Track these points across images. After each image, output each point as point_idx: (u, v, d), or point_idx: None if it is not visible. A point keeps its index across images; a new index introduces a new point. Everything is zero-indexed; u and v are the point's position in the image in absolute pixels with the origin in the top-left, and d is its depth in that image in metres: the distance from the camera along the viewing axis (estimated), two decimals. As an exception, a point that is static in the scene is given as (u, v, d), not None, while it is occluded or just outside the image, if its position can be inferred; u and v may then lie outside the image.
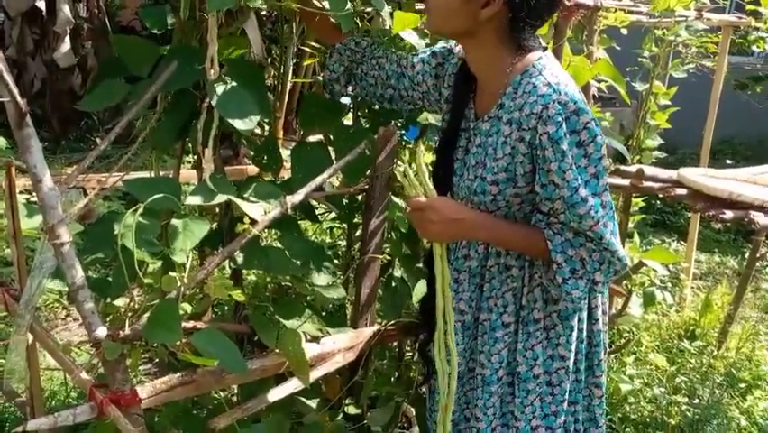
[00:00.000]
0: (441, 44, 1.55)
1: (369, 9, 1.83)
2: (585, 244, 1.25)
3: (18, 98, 1.09)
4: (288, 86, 5.01)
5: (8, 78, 1.06)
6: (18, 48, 5.90)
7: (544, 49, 1.33)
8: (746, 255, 4.12)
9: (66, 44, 5.86)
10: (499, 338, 1.40)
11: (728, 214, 1.98)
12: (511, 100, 1.28)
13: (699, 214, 3.31)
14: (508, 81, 1.29)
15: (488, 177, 1.30)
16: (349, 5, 1.41)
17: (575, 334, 1.40)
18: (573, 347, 1.41)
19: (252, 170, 2.10)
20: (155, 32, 1.60)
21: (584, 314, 1.43)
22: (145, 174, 2.22)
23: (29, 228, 1.99)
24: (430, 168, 1.47)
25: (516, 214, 1.34)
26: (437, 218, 1.25)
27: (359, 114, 1.83)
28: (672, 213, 5.43)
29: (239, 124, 1.31)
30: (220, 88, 1.30)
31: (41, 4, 5.69)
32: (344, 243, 2.19)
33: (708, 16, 3.29)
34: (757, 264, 3.47)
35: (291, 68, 4.93)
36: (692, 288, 3.91)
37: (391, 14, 1.44)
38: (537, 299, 1.37)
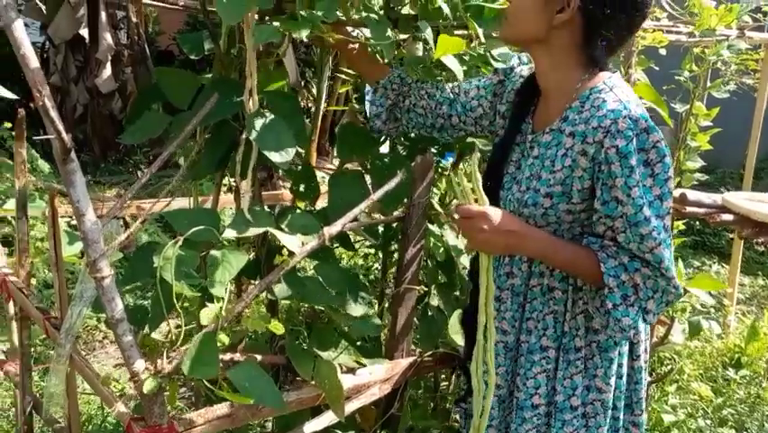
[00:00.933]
0: (499, 66, 1.54)
1: (404, 36, 1.84)
2: (640, 269, 1.20)
3: (63, 134, 1.11)
4: (322, 109, 5.08)
5: (54, 114, 1.08)
6: (62, 75, 6.10)
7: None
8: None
9: (107, 70, 6.04)
10: (536, 362, 1.36)
11: (775, 240, 1.91)
12: (577, 113, 1.25)
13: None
14: (576, 95, 1.26)
15: (542, 189, 1.26)
16: (390, 33, 1.40)
17: (614, 368, 1.35)
18: (612, 381, 1.35)
19: (288, 195, 2.12)
20: (192, 57, 1.63)
21: (625, 348, 1.37)
22: (183, 201, 2.25)
23: (70, 255, 2.03)
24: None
25: (565, 233, 1.30)
26: (488, 227, 1.21)
27: (395, 141, 1.83)
28: (711, 234, 5.29)
29: (276, 157, 1.31)
30: (258, 122, 1.30)
31: (85, 32, 5.88)
32: (379, 266, 2.18)
33: (751, 35, 3.22)
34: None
35: (325, 90, 5.00)
36: (736, 313, 3.78)
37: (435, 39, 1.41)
38: (580, 327, 1.33)
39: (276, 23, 1.24)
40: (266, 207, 1.54)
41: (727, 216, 2.09)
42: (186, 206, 2.33)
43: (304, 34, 1.28)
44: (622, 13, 1.22)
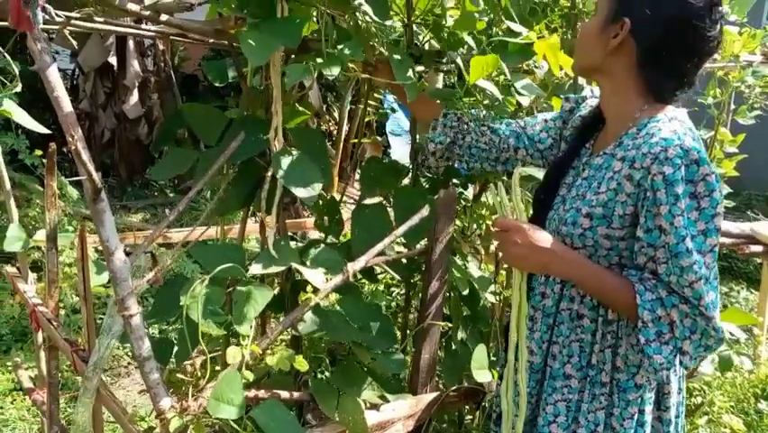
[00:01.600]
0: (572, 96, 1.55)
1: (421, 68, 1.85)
2: (678, 305, 1.14)
3: (94, 175, 1.13)
4: (344, 132, 5.12)
5: (86, 157, 1.11)
6: (90, 101, 6.24)
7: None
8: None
9: (134, 96, 6.17)
10: (557, 388, 1.32)
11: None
12: (632, 139, 1.23)
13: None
14: (634, 123, 1.25)
15: (583, 209, 1.24)
16: (410, 73, 1.42)
17: (631, 411, 1.28)
18: (627, 425, 1.28)
19: (311, 222, 2.13)
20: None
21: (650, 395, 1.30)
22: (210, 231, 2.28)
23: (98, 285, 2.06)
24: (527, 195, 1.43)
25: (601, 260, 1.26)
26: (522, 241, 1.19)
27: (418, 174, 1.83)
28: (739, 259, 5.18)
29: (302, 193, 1.33)
30: (285, 160, 1.32)
31: (113, 60, 6.02)
32: (401, 293, 2.17)
33: (776, 60, 3.18)
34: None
35: (347, 114, 5.04)
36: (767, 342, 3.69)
37: (466, 65, 1.41)
38: (606, 361, 1.28)
39: (304, 64, 1.26)
40: (289, 235, 1.55)
41: (756, 248, 2.06)
42: (212, 235, 2.36)
43: (335, 72, 1.30)
44: (673, 35, 1.20)
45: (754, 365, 3.30)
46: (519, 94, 1.57)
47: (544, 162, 1.56)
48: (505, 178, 1.83)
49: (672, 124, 1.19)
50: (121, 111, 6.21)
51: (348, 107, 4.99)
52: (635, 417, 1.29)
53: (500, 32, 1.51)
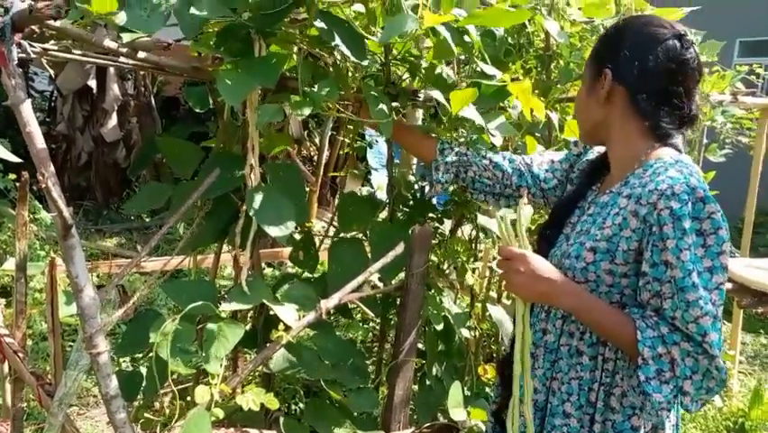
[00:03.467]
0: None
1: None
2: (680, 343, 1.12)
3: (65, 212, 1.12)
4: (324, 158, 5.13)
5: (56, 194, 1.10)
6: (68, 123, 6.19)
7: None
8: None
9: (113, 120, 6.14)
10: (557, 426, 1.30)
11: (777, 311, 1.90)
12: (638, 179, 1.24)
13: (743, 299, 3.19)
14: (640, 165, 1.27)
15: (587, 243, 1.24)
16: (384, 108, 1.42)
17: None
18: None
19: (287, 252, 2.12)
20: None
21: None
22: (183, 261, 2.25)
23: (66, 316, 2.02)
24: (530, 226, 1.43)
25: (602, 297, 1.25)
26: (525, 270, 1.20)
27: (395, 209, 1.84)
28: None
29: (274, 231, 1.32)
30: (258, 197, 1.32)
31: (93, 83, 5.99)
32: (377, 326, 2.16)
33: (743, 100, 3.28)
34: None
35: (327, 140, 5.06)
36: (740, 372, 3.73)
37: (447, 98, 1.43)
38: (599, 400, 1.26)
39: (277, 104, 1.26)
40: (264, 266, 1.54)
41: (727, 285, 2.08)
42: (184, 265, 2.34)
43: (307, 112, 1.31)
44: (652, 66, 1.23)
45: (726, 398, 3.34)
46: (492, 135, 1.59)
47: (546, 201, 1.57)
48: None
49: (678, 165, 1.21)
50: (99, 134, 6.17)
51: (329, 134, 5.02)
52: None
53: (475, 73, 1.54)
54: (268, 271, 3.85)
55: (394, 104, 1.73)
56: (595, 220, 1.28)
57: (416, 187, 1.90)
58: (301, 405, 1.94)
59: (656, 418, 1.17)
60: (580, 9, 2.01)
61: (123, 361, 3.14)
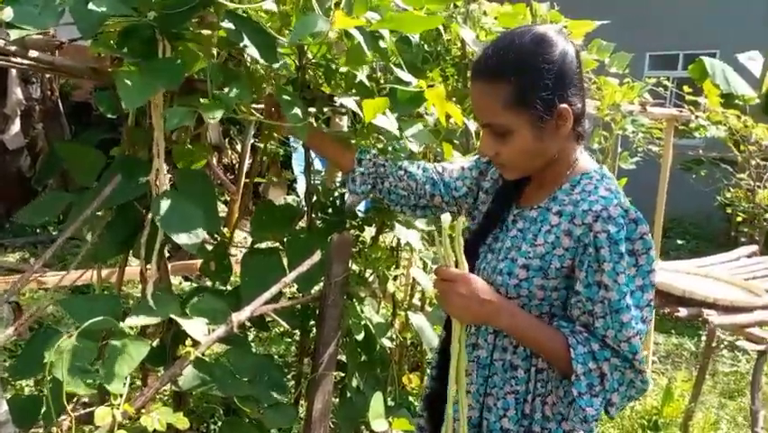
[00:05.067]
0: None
1: (326, 109, 1.84)
2: (610, 358, 1.18)
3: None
4: (246, 166, 5.00)
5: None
6: (-35, 130, 5.77)
7: None
8: (703, 337, 4.16)
9: (16, 126, 5.76)
10: None
11: (683, 312, 1.99)
12: (566, 195, 1.26)
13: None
14: (566, 179, 1.28)
15: (520, 260, 1.25)
16: (298, 112, 1.38)
17: None
18: None
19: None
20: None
21: None
22: (87, 274, 2.12)
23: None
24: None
25: (533, 310, 1.27)
26: (466, 292, 1.17)
27: (314, 217, 1.79)
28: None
29: (183, 240, 1.25)
30: (165, 203, 1.24)
31: (-7, 86, 5.62)
32: (296, 343, 2.10)
33: (652, 111, 3.44)
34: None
35: (250, 147, 4.93)
36: (653, 372, 3.90)
37: (359, 105, 1.40)
38: (537, 410, 1.28)
39: (186, 107, 1.20)
40: (181, 279, 1.46)
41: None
42: (88, 278, 2.20)
43: (218, 116, 1.24)
44: (570, 72, 1.22)
45: (641, 398, 3.48)
46: (410, 141, 1.58)
47: (459, 209, 1.55)
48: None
49: (605, 181, 1.25)
50: (0, 141, 5.78)
51: (251, 141, 4.89)
52: None
53: (390, 79, 1.52)
54: (185, 285, 3.70)
55: (311, 109, 1.69)
56: (525, 236, 1.29)
57: (335, 194, 1.87)
58: (219, 425, 1.85)
59: (583, 426, 1.21)
60: (495, 18, 2.04)
61: (27, 385, 2.92)
